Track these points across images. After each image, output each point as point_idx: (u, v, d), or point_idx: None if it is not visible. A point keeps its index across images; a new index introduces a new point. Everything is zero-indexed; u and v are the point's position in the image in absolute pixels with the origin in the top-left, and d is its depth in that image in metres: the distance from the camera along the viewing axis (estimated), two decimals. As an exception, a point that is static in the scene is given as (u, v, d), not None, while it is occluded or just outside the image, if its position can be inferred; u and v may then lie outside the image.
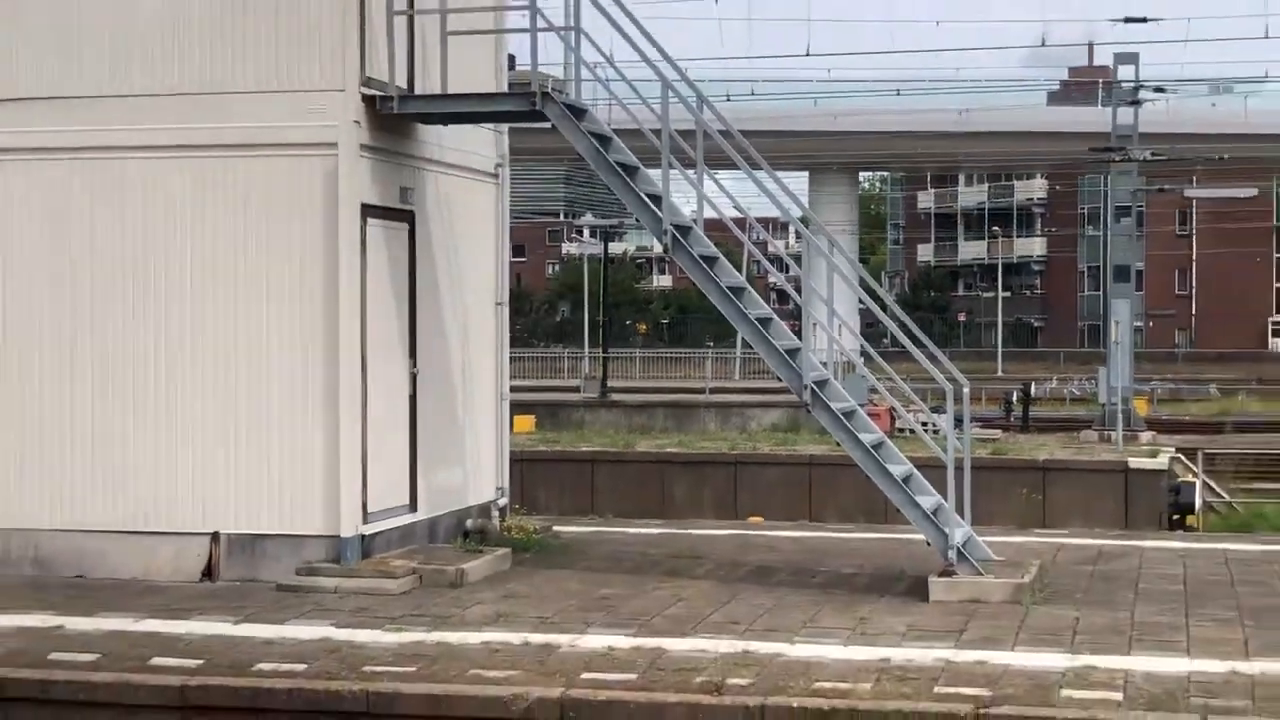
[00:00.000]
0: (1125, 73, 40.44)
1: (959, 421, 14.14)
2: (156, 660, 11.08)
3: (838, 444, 14.50)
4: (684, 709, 9.91)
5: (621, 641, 11.56)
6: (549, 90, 14.29)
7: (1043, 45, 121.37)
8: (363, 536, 14.28)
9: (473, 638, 11.73)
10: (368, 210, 14.45)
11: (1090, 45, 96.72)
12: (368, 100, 14.31)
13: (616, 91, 14.83)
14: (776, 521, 20.38)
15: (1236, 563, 15.32)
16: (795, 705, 9.83)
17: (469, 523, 16.29)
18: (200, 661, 11.03)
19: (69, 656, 11.22)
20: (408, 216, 15.31)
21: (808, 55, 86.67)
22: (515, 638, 11.71)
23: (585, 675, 10.51)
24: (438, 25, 14.57)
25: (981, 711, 9.59)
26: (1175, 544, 17.52)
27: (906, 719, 9.66)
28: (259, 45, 14.20)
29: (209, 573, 14.22)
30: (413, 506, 15.33)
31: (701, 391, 47.37)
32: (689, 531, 18.01)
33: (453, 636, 11.79)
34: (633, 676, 10.51)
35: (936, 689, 10.09)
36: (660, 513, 25.69)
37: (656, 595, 13.48)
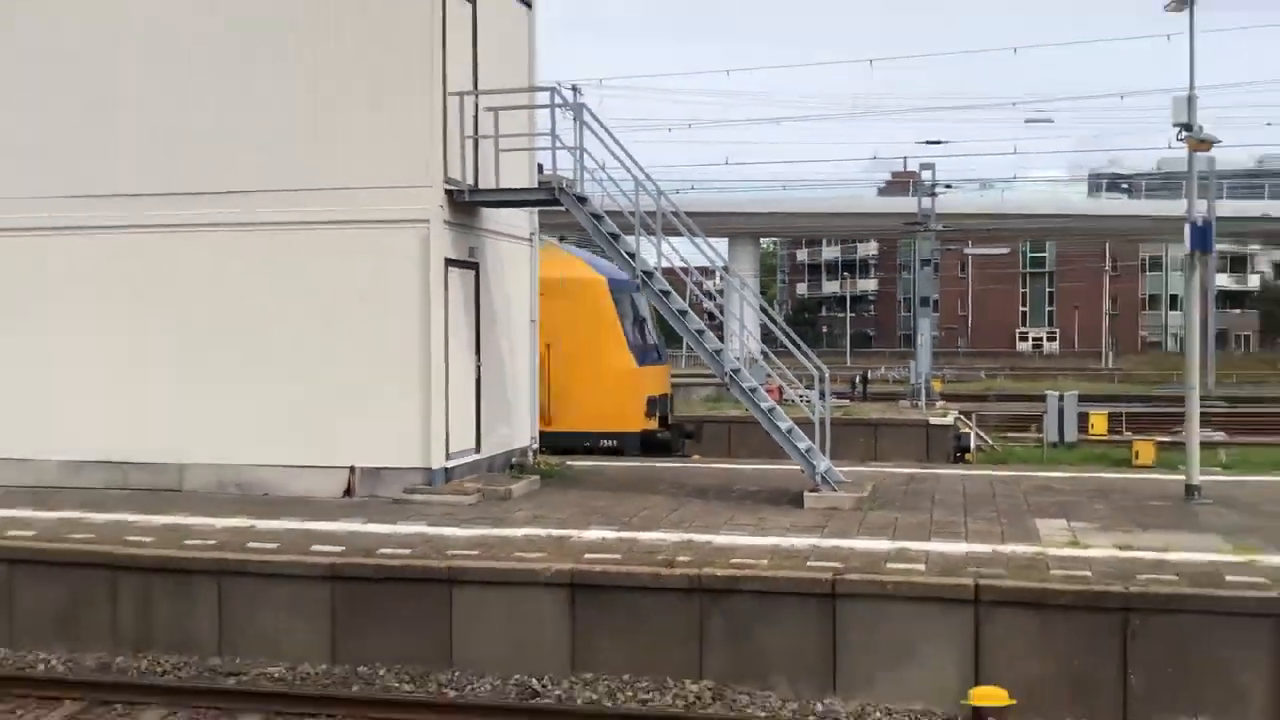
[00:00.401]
0: (926, 176, 40.58)
1: (822, 394, 14.16)
2: (315, 547, 11.07)
3: (747, 409, 14.50)
4: (650, 575, 9.92)
5: (610, 534, 11.54)
6: (563, 186, 14.27)
7: (875, 158, 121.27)
8: (446, 468, 14.20)
9: (517, 532, 11.70)
10: (449, 262, 14.35)
11: (905, 158, 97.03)
12: (448, 192, 14.23)
13: (607, 188, 14.82)
14: (709, 458, 20.34)
15: (997, 483, 15.33)
16: (720, 573, 9.83)
17: (513, 459, 16.23)
18: (342, 548, 11.02)
19: (259, 544, 11.22)
20: (474, 266, 15.19)
21: (727, 164, 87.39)
22: (543, 532, 11.69)
23: (587, 555, 10.50)
24: (493, 145, 14.53)
25: (837, 577, 9.61)
26: (958, 471, 17.53)
27: (791, 582, 9.68)
28: (384, 157, 14.12)
29: (349, 492, 14.13)
30: (478, 449, 15.21)
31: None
32: (652, 464, 17.97)
33: (504, 531, 11.76)
34: (618, 556, 10.50)
35: (809, 563, 10.11)
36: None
37: (632, 505, 13.42)
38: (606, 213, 14.45)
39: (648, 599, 9.81)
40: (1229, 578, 9.44)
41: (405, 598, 10.31)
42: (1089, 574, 9.59)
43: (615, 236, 14.28)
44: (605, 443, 19.78)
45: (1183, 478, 14.13)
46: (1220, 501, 13.50)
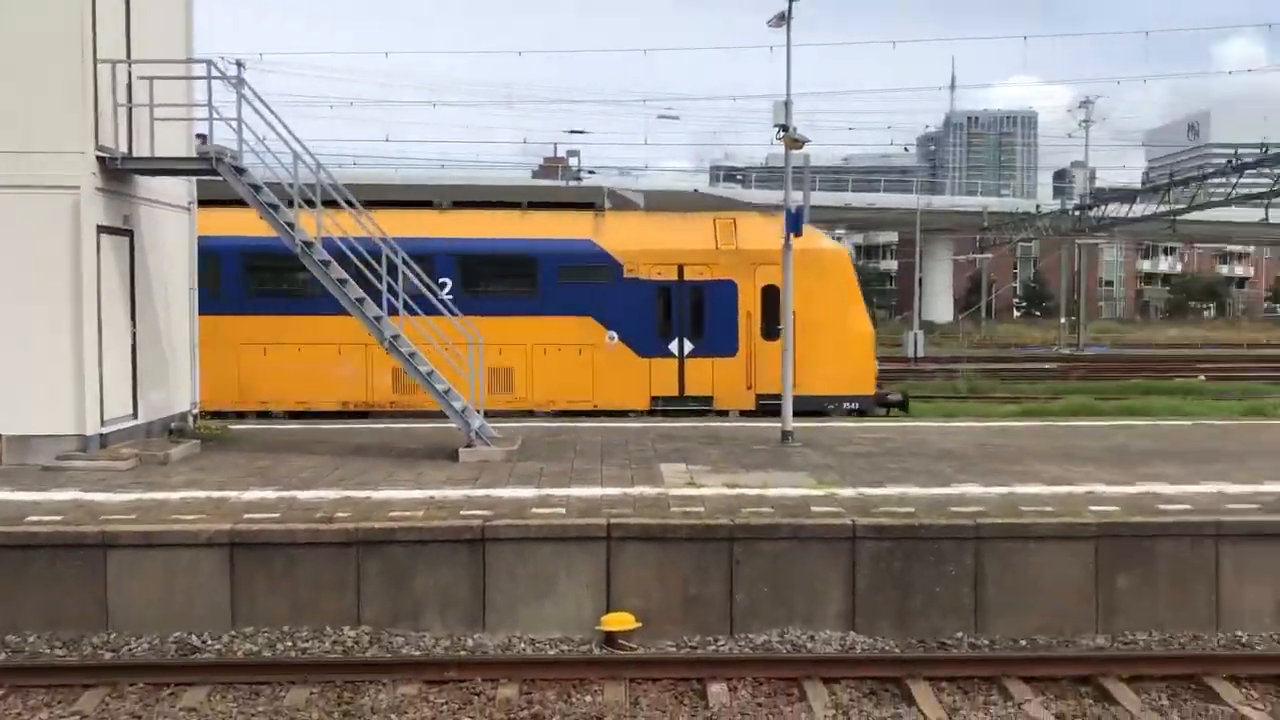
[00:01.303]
0: (574, 161, 41.34)
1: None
2: (-46, 519, 9.83)
3: (406, 371, 14.15)
4: (308, 531, 9.51)
5: (270, 494, 10.97)
6: (221, 156, 13.36)
7: (525, 142, 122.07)
8: (101, 435, 13.04)
9: (174, 495, 10.89)
10: (101, 229, 13.12)
11: (555, 145, 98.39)
12: (99, 159, 13.00)
13: (267, 160, 14.01)
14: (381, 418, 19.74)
15: (629, 433, 15.77)
16: (377, 526, 9.58)
17: (173, 424, 15.11)
18: (-14, 518, 9.86)
19: (-111, 519, 9.84)
20: (129, 233, 13.96)
21: (387, 142, 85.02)
22: (202, 494, 10.95)
23: (246, 515, 9.94)
24: (148, 113, 13.43)
25: (486, 524, 9.61)
26: (596, 424, 17.71)
27: (443, 530, 9.57)
28: (32, 122, 12.67)
29: (-5, 460, 12.71)
30: (135, 415, 14.04)
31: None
32: (318, 426, 17.25)
33: (160, 495, 10.92)
34: (277, 514, 10.00)
35: (462, 511, 10.04)
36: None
37: (293, 465, 12.84)
38: (268, 184, 13.67)
39: (306, 553, 9.42)
40: (814, 508, 10.22)
41: (56, 564, 9.36)
42: (702, 510, 10.10)
43: (274, 206, 13.54)
44: (848, 405, 19.13)
45: (780, 425, 15.17)
46: (808, 444, 14.61)
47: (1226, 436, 15.76)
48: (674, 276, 19.27)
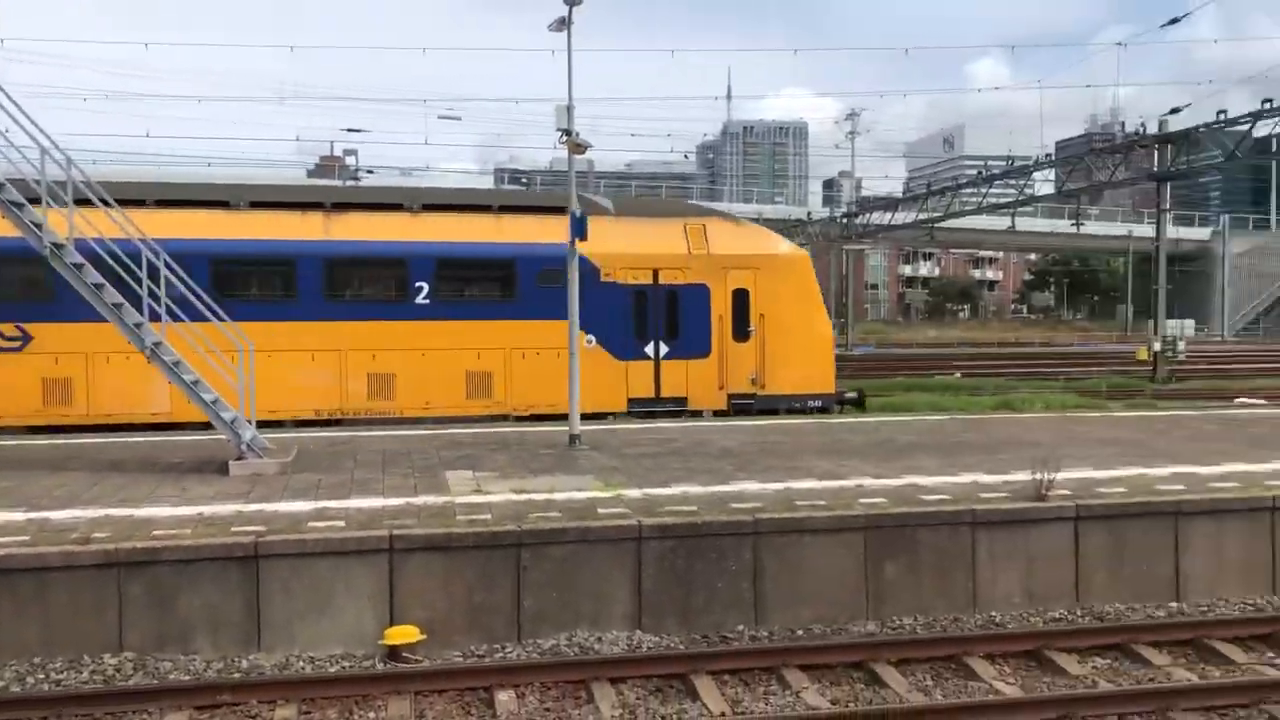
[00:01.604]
0: (351, 161, 40.24)
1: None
2: None
3: (171, 380, 13.38)
4: (60, 554, 8.82)
5: (18, 516, 10.12)
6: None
7: (298, 140, 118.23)
8: None
9: (-97, 521, 9.91)
10: None
11: (331, 143, 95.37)
12: None
13: (9, 154, 12.92)
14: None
15: (413, 440, 15.50)
16: (139, 546, 8.99)
17: (-98, 443, 13.76)
18: None
19: None
20: None
21: (149, 138, 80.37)
22: (-64, 518, 10.01)
23: (-11, 539, 9.15)
24: None
25: (259, 540, 9.21)
26: (378, 433, 17.36)
27: (212, 548, 9.08)
28: None
29: None
30: None
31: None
32: (68, 440, 16.08)
33: (-113, 521, 9.91)
34: (26, 537, 9.24)
35: (233, 528, 9.57)
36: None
37: (43, 485, 11.91)
38: (11, 181, 12.63)
39: (60, 578, 8.74)
40: (601, 510, 10.32)
41: None
42: (489, 517, 10.01)
43: (20, 205, 12.53)
44: (811, 404, 19.62)
45: (567, 429, 15.24)
46: (595, 447, 14.74)
47: (979, 429, 16.93)
48: (649, 280, 19.58)
